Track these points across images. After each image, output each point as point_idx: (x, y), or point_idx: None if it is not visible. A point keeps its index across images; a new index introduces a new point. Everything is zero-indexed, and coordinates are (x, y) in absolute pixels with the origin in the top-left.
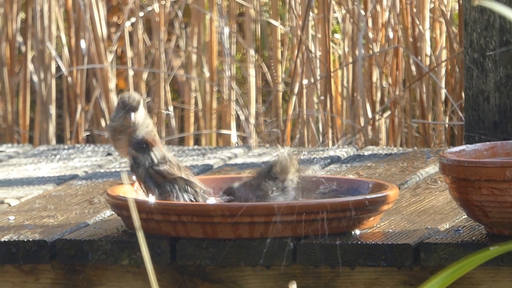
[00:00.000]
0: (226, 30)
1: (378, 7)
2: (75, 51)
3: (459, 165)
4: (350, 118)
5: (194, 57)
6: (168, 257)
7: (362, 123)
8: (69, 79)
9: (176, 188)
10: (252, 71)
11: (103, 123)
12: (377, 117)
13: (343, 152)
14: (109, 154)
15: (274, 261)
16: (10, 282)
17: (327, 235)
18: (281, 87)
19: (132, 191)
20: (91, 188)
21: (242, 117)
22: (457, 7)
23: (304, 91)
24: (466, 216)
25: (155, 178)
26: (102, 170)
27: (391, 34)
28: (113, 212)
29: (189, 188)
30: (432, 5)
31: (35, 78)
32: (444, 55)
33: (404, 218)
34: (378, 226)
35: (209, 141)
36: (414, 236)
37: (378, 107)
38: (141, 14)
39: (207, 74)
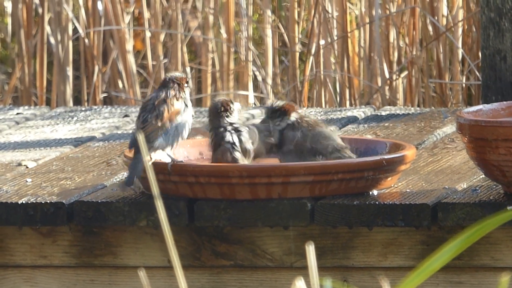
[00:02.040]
0: None
1: None
2: (92, 13)
3: (476, 124)
4: (367, 79)
5: (211, 18)
6: (186, 218)
7: (379, 83)
8: (86, 40)
9: None
10: (269, 32)
11: (120, 85)
12: (394, 77)
13: (360, 112)
14: (126, 115)
15: (292, 221)
16: (28, 244)
17: (345, 196)
18: (298, 47)
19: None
20: (108, 150)
21: (259, 78)
22: None
23: (321, 51)
24: (483, 176)
25: None
26: (119, 132)
27: None
28: None
29: None
30: None
31: (52, 40)
32: (460, 14)
33: (421, 178)
34: (396, 186)
35: None
36: (431, 196)
37: (395, 67)
38: None
39: (224, 35)
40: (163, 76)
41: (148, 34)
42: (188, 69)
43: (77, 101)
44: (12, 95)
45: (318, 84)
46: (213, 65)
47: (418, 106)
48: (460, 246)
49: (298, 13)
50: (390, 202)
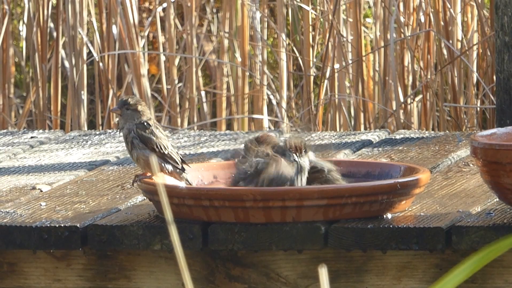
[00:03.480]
0: (258, 15)
1: None
2: (107, 37)
3: (490, 148)
4: (381, 102)
5: (226, 42)
6: (200, 242)
7: (394, 107)
8: (101, 64)
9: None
10: (283, 56)
11: None
12: (409, 101)
13: (374, 136)
14: None
15: (306, 245)
16: (42, 268)
17: (358, 219)
18: (312, 71)
19: (163, 176)
20: (122, 174)
21: (274, 102)
22: None
23: (336, 75)
24: (497, 199)
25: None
26: None
27: (422, 18)
28: (145, 197)
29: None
30: None
31: (66, 64)
32: (475, 38)
33: (435, 202)
34: (410, 209)
35: (241, 125)
36: (445, 220)
37: (410, 91)
38: None
39: (239, 59)
40: (177, 100)
41: (162, 58)
42: (203, 93)
43: (92, 125)
44: (26, 119)
45: (332, 108)
46: (228, 89)
47: (433, 129)
48: (472, 268)
49: (313, 37)
50: (404, 226)
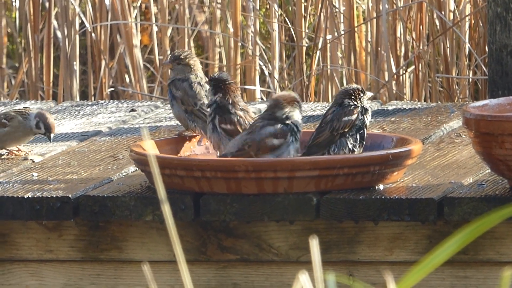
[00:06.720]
0: None
1: None
2: (99, 7)
3: (482, 119)
4: (374, 73)
5: (218, 12)
6: (192, 212)
7: (386, 78)
8: (93, 35)
9: None
10: (276, 26)
11: (127, 79)
12: (401, 71)
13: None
14: (132, 110)
15: (298, 216)
16: (34, 239)
17: (350, 190)
18: (305, 42)
19: (155, 147)
20: (114, 144)
21: (266, 72)
22: None
23: (328, 46)
24: (489, 171)
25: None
26: (125, 126)
27: None
28: (137, 168)
29: None
30: None
31: (59, 35)
32: (467, 9)
33: (427, 173)
34: (402, 180)
35: None
36: (437, 191)
37: (402, 62)
38: None
39: (231, 29)
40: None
41: (155, 28)
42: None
43: (84, 95)
44: (19, 90)
45: (324, 79)
46: (220, 59)
47: (425, 100)
48: (464, 240)
49: (305, 8)
50: (396, 197)
